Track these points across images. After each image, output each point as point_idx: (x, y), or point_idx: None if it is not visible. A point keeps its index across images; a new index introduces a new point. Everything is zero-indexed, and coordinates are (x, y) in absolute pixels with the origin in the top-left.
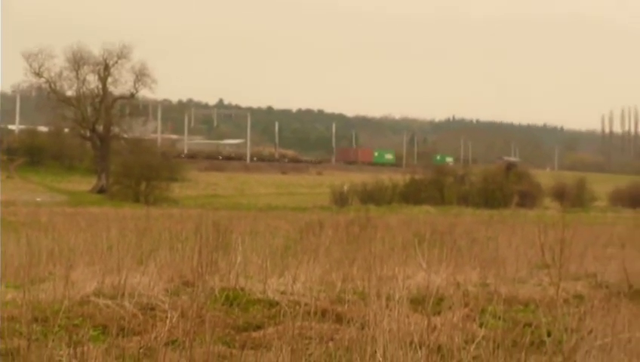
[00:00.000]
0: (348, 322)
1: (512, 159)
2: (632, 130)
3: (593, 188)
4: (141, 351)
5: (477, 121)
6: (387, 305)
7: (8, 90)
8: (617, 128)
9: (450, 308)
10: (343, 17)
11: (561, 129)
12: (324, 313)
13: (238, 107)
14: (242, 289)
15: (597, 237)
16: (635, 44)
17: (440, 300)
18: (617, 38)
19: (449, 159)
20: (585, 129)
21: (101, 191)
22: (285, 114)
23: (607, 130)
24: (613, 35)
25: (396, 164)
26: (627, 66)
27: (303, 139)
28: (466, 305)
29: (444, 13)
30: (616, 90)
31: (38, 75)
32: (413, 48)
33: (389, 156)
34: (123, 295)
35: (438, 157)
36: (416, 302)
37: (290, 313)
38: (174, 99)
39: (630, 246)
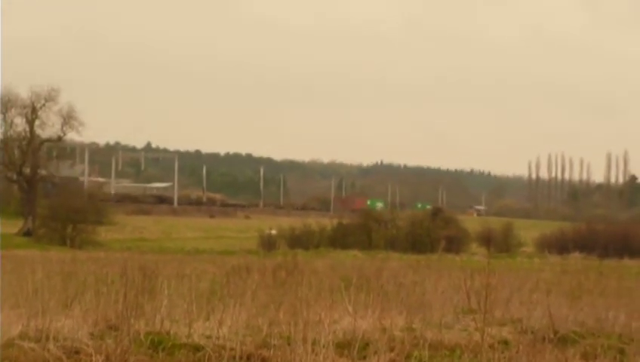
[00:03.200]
0: None
1: (479, 207)
2: (559, 176)
3: (520, 234)
4: None
5: (404, 166)
6: (313, 350)
7: None
8: (544, 174)
9: (375, 352)
10: (272, 61)
11: (489, 174)
12: (249, 357)
13: (165, 150)
14: (168, 333)
15: (523, 283)
16: (561, 93)
17: (366, 345)
18: (544, 87)
19: (379, 204)
20: (512, 174)
21: (27, 233)
22: (213, 157)
23: (534, 175)
24: (540, 83)
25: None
26: (554, 113)
27: (231, 183)
28: (392, 349)
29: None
30: (544, 136)
31: None
32: (342, 93)
33: (379, 204)
34: (48, 338)
35: (369, 202)
36: (343, 347)
37: (216, 358)
38: (102, 142)
39: (556, 292)
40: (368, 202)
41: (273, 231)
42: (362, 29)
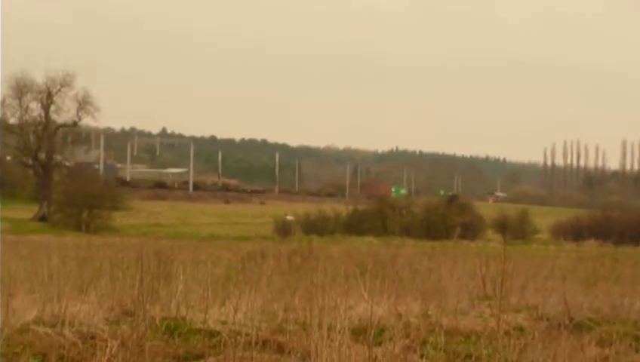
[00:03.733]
0: (289, 352)
1: (500, 194)
2: (574, 163)
3: (535, 221)
4: None
5: (420, 153)
6: (328, 336)
7: None
8: (560, 161)
9: (391, 339)
10: (288, 47)
11: (504, 161)
12: (265, 343)
13: (181, 136)
14: (183, 318)
15: (538, 270)
16: (577, 80)
17: (381, 331)
18: (559, 73)
19: (403, 191)
20: (527, 161)
21: (43, 219)
22: (229, 143)
23: (549, 163)
24: (555, 69)
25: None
26: (570, 100)
27: (247, 169)
28: (407, 336)
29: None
30: (560, 123)
31: None
32: (357, 80)
33: (403, 191)
34: (63, 323)
35: (393, 189)
36: (358, 333)
37: (232, 343)
38: (117, 127)
39: (571, 279)
40: (393, 189)
41: (289, 217)
42: (377, 15)
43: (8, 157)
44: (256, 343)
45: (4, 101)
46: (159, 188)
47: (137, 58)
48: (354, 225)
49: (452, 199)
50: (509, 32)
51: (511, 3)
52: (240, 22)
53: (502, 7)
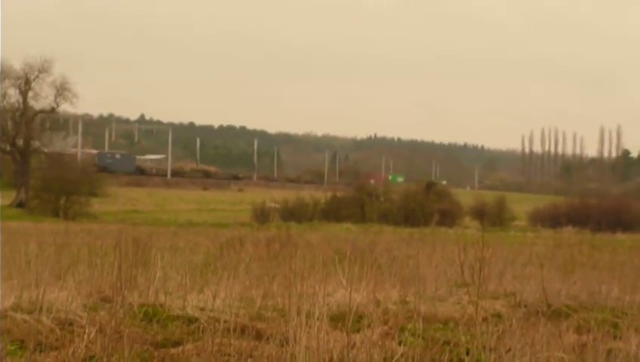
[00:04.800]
0: (267, 339)
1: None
2: (552, 150)
3: (513, 208)
4: None
5: (398, 140)
6: (307, 322)
7: None
8: (537, 148)
9: (369, 325)
10: (268, 34)
11: (482, 148)
12: (243, 329)
13: (159, 122)
14: (161, 305)
15: (516, 257)
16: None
17: (360, 318)
18: (537, 62)
19: (400, 179)
20: (505, 148)
21: (20, 205)
22: (207, 130)
23: (527, 150)
24: (534, 58)
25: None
26: (548, 88)
27: (225, 156)
28: (386, 322)
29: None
30: (537, 111)
31: None
32: (336, 68)
33: (400, 179)
34: (41, 310)
35: (390, 177)
36: (336, 319)
37: (210, 329)
38: (95, 113)
39: (549, 265)
40: (390, 177)
41: (274, 205)
42: (358, 4)
43: None
44: (235, 329)
45: None
46: (137, 174)
47: (115, 44)
48: (332, 212)
49: (430, 186)
50: (490, 24)
51: None
52: (219, 8)
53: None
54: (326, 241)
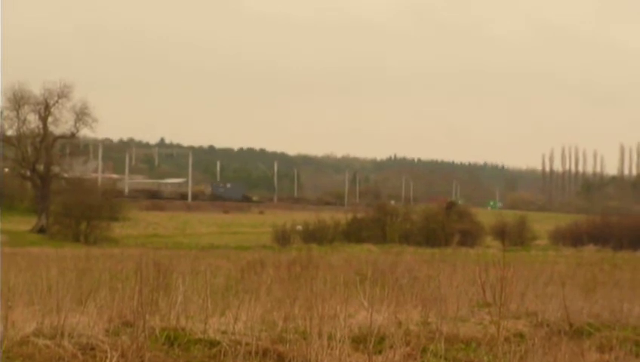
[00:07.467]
0: (289, 361)
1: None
2: (573, 168)
3: (534, 227)
4: None
5: (418, 160)
6: (329, 344)
7: None
8: (558, 167)
9: (391, 347)
10: (285, 56)
11: (502, 167)
12: (265, 352)
13: (179, 146)
14: (183, 329)
15: (538, 276)
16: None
17: (381, 339)
18: (555, 79)
19: (500, 204)
20: (526, 167)
21: (41, 231)
22: (227, 153)
23: (547, 168)
24: (552, 75)
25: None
26: (567, 105)
27: (245, 178)
28: (408, 343)
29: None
30: (557, 129)
31: None
32: (355, 88)
33: (499, 204)
34: (62, 335)
35: (491, 204)
36: (358, 341)
37: (232, 353)
38: (115, 138)
39: (570, 284)
40: (490, 203)
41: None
42: (375, 23)
43: (6, 170)
44: (257, 353)
45: (1, 113)
46: (157, 198)
47: (135, 68)
48: (353, 233)
49: (451, 206)
50: (505, 41)
51: (506, 13)
52: (239, 31)
53: (493, 16)
54: (347, 263)
